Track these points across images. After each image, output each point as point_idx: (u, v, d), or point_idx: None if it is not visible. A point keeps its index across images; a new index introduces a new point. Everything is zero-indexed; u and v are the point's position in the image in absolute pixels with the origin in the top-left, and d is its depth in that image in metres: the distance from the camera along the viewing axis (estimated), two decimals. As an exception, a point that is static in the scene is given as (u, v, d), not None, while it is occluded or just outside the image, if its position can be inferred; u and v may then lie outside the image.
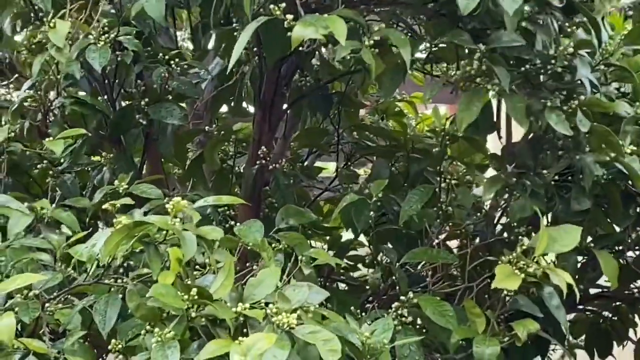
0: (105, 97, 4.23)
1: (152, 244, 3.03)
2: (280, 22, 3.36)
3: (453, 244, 4.30)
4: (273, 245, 3.58)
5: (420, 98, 4.97)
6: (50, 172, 4.22)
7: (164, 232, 3.02)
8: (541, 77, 3.61)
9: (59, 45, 3.70)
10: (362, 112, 4.85)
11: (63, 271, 3.30)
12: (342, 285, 4.64)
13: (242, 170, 4.48)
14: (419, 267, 4.17)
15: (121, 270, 3.28)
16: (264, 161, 4.16)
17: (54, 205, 3.73)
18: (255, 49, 4.13)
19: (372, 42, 3.41)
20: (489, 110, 3.77)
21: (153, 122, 4.21)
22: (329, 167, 5.12)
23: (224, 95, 4.46)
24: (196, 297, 2.91)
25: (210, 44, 4.56)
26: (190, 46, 4.83)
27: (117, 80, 4.21)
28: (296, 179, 4.37)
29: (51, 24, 3.75)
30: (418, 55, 3.98)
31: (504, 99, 3.52)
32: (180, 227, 2.96)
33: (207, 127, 4.51)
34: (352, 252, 4.60)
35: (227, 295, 2.98)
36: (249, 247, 3.41)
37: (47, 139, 3.78)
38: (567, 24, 3.65)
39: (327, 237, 4.54)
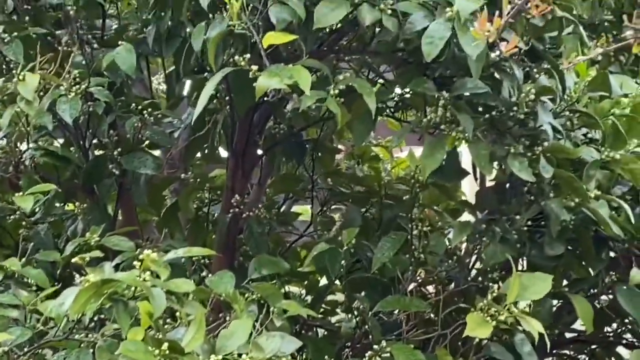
0: (78, 147, 4.23)
1: (120, 300, 3.04)
2: (247, 72, 3.38)
3: (429, 288, 4.29)
4: (246, 295, 3.58)
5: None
6: (23, 223, 4.22)
7: (133, 287, 3.02)
8: (507, 123, 3.61)
9: (28, 98, 3.72)
10: (338, 156, 4.86)
11: (33, 327, 3.30)
12: (321, 331, 4.63)
13: (217, 218, 4.48)
14: (394, 313, 4.16)
15: (93, 324, 3.29)
16: (237, 209, 4.16)
17: (24, 259, 3.73)
18: (226, 97, 4.16)
19: (337, 91, 3.42)
20: (455, 157, 3.78)
21: (126, 171, 4.22)
22: (306, 211, 5.12)
23: (197, 144, 4.47)
24: (167, 351, 2.91)
25: (185, 90, 4.58)
26: (165, 87, 4.85)
27: (89, 130, 4.22)
28: (271, 227, 4.36)
29: (21, 77, 3.76)
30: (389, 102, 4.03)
31: (468, 146, 3.53)
32: (149, 283, 2.97)
33: (182, 175, 4.52)
34: (330, 297, 4.59)
35: (199, 347, 2.98)
36: (221, 298, 3.41)
37: (17, 194, 3.78)
38: (534, 70, 3.67)
39: (305, 282, 4.54)
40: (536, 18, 3.17)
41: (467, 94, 3.55)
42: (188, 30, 3.90)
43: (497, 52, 3.30)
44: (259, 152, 4.39)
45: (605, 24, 4.11)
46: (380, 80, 4.07)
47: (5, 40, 4.00)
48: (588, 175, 3.62)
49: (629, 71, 4.10)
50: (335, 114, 3.44)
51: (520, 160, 3.51)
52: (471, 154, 3.51)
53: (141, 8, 4.31)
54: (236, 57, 3.41)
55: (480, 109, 3.66)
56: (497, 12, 2.67)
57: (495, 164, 3.64)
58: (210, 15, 3.55)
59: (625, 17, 3.14)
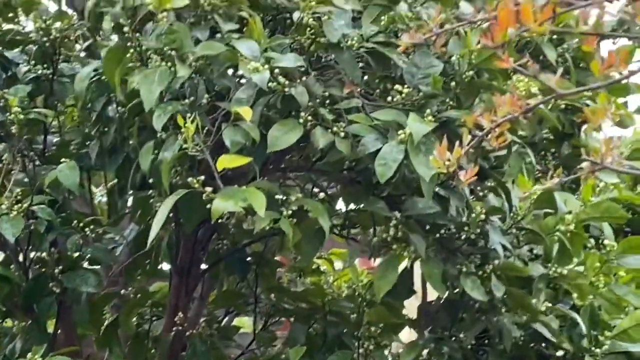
0: (18, 264, 4.16)
1: None
2: (199, 193, 3.37)
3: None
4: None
5: (338, 254, 4.99)
6: (-41, 344, 4.12)
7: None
8: (456, 242, 3.66)
9: (-31, 219, 3.68)
10: (280, 269, 4.84)
11: None
12: None
13: (158, 335, 4.41)
14: None
15: None
16: (180, 327, 4.12)
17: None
18: (171, 214, 4.13)
19: (290, 212, 3.43)
20: (408, 276, 3.80)
21: (67, 289, 4.15)
22: (245, 324, 5.09)
23: (140, 260, 4.43)
24: None
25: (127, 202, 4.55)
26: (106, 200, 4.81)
27: (30, 248, 4.15)
28: (213, 343, 4.32)
29: (-39, 198, 3.72)
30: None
31: (421, 265, 3.56)
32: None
33: (122, 291, 4.45)
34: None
35: None
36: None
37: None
38: (478, 188, 3.72)
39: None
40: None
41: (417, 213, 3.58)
42: (131, 143, 3.89)
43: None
44: (202, 267, 4.35)
45: (544, 142, 4.20)
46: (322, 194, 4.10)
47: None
48: (537, 289, 3.68)
49: (568, 188, 4.19)
50: (286, 233, 3.44)
51: (473, 279, 3.56)
52: (424, 273, 3.55)
53: (83, 122, 4.28)
54: (189, 179, 3.39)
55: (428, 227, 3.69)
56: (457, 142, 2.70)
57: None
58: (159, 134, 3.54)
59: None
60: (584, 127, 4.25)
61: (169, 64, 3.41)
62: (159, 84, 3.38)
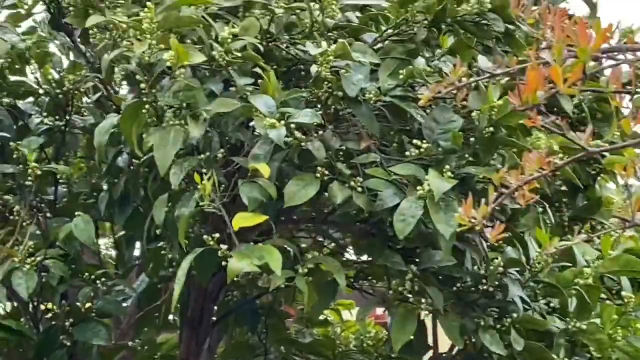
0: (28, 317, 4.13)
1: None
2: (213, 249, 3.34)
3: None
4: None
5: (346, 305, 4.96)
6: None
7: None
8: (473, 295, 3.63)
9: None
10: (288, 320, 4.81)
11: None
12: None
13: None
14: None
15: None
16: (191, 382, 4.08)
17: None
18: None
19: (306, 270, 3.40)
20: (424, 330, 3.77)
21: (77, 342, 4.11)
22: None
23: (150, 312, 4.39)
24: None
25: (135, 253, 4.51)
26: (113, 253, 4.79)
27: (40, 300, 4.12)
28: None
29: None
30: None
31: (438, 319, 3.53)
32: None
33: (130, 343, 4.41)
34: None
35: None
36: None
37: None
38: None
39: None
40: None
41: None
42: (141, 195, 3.87)
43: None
44: (213, 318, 4.32)
45: (559, 193, 4.18)
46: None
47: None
48: (558, 344, 3.65)
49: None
50: (302, 291, 3.41)
51: (491, 333, 3.54)
52: (442, 326, 3.51)
53: (91, 172, 4.26)
54: (205, 237, 3.35)
55: (444, 280, 3.66)
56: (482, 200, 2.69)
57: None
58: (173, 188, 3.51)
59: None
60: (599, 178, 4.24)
61: (183, 121, 3.38)
62: (173, 146, 3.35)
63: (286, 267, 3.36)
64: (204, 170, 3.35)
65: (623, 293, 4.03)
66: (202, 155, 3.45)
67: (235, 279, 3.36)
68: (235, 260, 3.24)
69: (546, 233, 3.68)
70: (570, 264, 3.88)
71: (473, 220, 2.67)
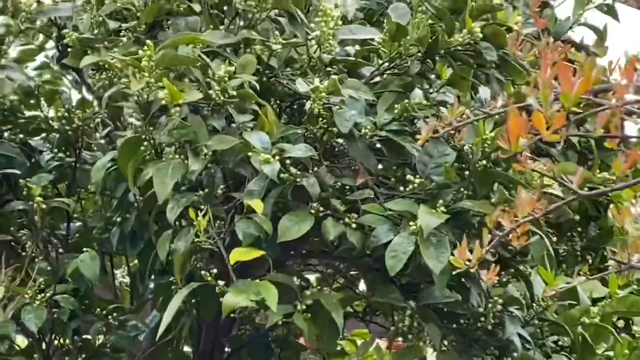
0: (41, 354, 4.16)
1: None
2: (214, 285, 3.35)
3: None
4: None
5: (362, 335, 4.94)
6: None
7: None
8: (475, 333, 3.59)
9: (-8, 314, 3.70)
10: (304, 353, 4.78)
11: None
12: None
13: None
14: None
15: None
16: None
17: None
18: (193, 300, 4.11)
19: (304, 306, 3.40)
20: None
21: (90, 379, 4.15)
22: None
23: (163, 347, 4.40)
24: None
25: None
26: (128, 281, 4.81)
27: (53, 336, 4.16)
28: None
29: (-18, 292, 3.74)
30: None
31: (437, 357, 3.49)
32: None
33: (143, 379, 4.43)
34: None
35: None
36: None
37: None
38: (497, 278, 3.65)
39: None
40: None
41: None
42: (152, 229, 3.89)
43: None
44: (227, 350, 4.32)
45: (570, 222, 4.12)
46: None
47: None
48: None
49: (595, 269, 4.10)
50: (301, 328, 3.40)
51: (491, 373, 3.49)
52: (441, 364, 3.48)
53: (104, 208, 4.30)
54: (202, 272, 3.37)
55: (446, 317, 3.63)
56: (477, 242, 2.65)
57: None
58: (176, 223, 3.53)
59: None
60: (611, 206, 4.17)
61: (182, 156, 3.41)
62: (171, 177, 3.38)
63: (286, 303, 3.37)
64: (202, 207, 3.38)
65: (634, 328, 3.96)
66: (201, 192, 3.47)
67: (233, 314, 3.37)
68: (231, 295, 3.26)
69: (557, 264, 3.63)
70: (576, 302, 3.82)
71: (467, 263, 2.64)
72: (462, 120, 2.82)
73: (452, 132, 2.89)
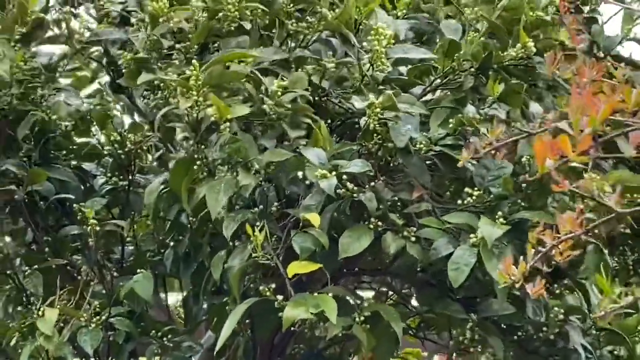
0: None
1: None
2: (271, 300, 3.37)
3: None
4: None
5: (415, 354, 4.93)
6: None
7: None
8: (535, 343, 3.59)
9: (47, 334, 3.72)
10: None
11: None
12: None
13: None
14: None
15: None
16: None
17: None
18: (247, 320, 4.12)
19: (362, 317, 3.40)
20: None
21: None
22: None
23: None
24: None
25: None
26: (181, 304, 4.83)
27: (109, 358, 4.18)
28: None
29: (40, 312, 3.76)
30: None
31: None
32: None
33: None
34: None
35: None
36: None
37: None
38: (555, 286, 3.65)
39: None
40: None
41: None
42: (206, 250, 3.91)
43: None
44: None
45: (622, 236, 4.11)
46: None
47: (26, 273, 4.00)
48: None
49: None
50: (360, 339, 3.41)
51: (553, 384, 3.48)
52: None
53: (158, 230, 4.33)
54: (261, 287, 3.39)
55: (505, 329, 3.63)
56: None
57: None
58: (229, 243, 3.55)
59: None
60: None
61: (235, 173, 3.43)
62: (224, 193, 3.41)
63: (343, 315, 3.38)
64: (257, 223, 3.40)
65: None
66: (256, 209, 3.49)
67: (292, 328, 3.38)
68: (290, 308, 3.28)
69: (609, 277, 3.62)
70: (634, 311, 3.80)
71: (512, 277, 2.63)
72: (501, 140, 2.84)
73: (493, 152, 2.90)
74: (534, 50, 3.51)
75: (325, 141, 3.45)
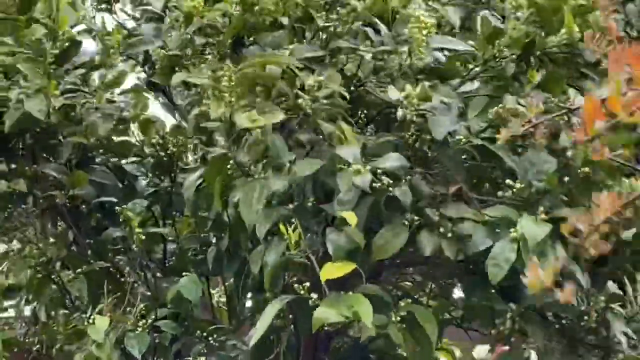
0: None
1: None
2: (307, 298, 3.34)
3: None
4: None
5: (455, 344, 4.87)
6: None
7: None
8: (578, 332, 3.53)
9: (99, 341, 3.73)
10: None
11: None
12: None
13: None
14: None
15: None
16: None
17: None
18: (290, 315, 4.11)
19: (399, 317, 3.37)
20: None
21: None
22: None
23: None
24: None
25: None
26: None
27: (155, 358, 4.19)
28: None
29: (90, 320, 3.78)
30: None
31: (540, 357, 3.44)
32: None
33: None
34: None
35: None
36: None
37: None
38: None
39: None
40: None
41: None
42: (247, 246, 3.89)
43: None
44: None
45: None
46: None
47: (70, 277, 4.02)
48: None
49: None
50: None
51: (596, 373, 3.42)
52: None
53: (200, 229, 4.32)
54: (295, 285, 3.36)
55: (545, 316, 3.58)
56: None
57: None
58: (267, 238, 3.52)
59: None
60: None
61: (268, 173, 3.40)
62: (258, 202, 3.38)
63: (380, 314, 3.33)
64: (293, 220, 3.36)
65: None
66: (291, 205, 3.46)
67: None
68: (322, 310, 3.22)
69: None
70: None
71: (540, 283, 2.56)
72: (540, 118, 2.77)
73: (532, 129, 2.83)
74: (579, 35, 3.41)
75: (354, 138, 3.39)
